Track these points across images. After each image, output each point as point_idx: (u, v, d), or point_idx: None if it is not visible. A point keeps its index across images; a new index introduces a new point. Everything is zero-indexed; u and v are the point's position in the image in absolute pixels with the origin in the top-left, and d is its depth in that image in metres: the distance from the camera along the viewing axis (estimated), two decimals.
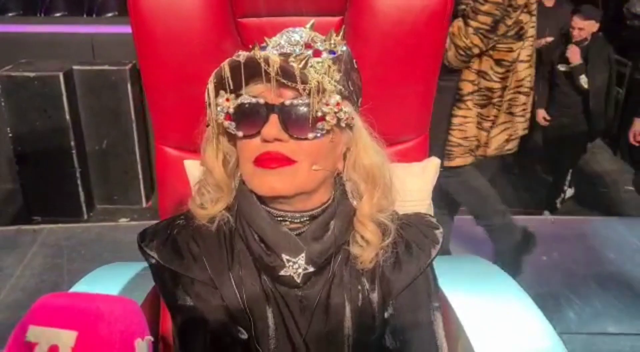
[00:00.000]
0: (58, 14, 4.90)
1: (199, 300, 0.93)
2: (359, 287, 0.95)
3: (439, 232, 1.01)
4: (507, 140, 2.51)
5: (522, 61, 2.41)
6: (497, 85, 2.37)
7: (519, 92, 2.46)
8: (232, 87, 0.86)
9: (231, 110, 0.87)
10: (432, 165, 1.32)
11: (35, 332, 0.49)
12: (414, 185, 1.28)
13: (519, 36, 2.32)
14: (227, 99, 0.87)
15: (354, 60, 0.96)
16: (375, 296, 0.95)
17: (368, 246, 0.93)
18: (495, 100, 2.40)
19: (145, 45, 1.21)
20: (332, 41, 0.90)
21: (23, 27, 4.30)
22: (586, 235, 3.21)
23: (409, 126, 1.36)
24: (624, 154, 4.92)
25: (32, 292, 2.64)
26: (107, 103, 3.74)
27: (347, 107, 0.87)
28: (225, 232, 0.95)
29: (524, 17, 2.29)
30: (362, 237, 0.94)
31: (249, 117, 0.85)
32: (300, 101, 0.84)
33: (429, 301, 0.98)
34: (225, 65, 0.85)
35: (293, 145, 0.85)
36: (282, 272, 0.90)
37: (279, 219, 0.91)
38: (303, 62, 0.83)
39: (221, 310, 0.92)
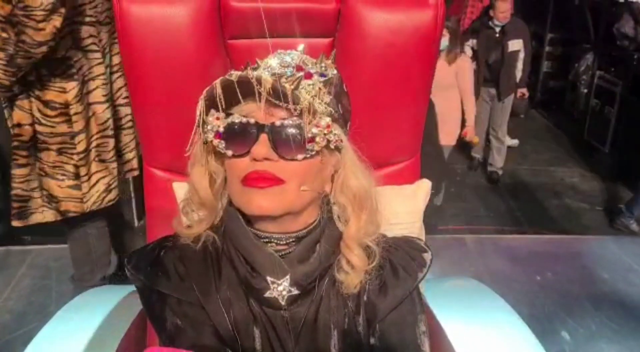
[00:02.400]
0: None
1: (186, 320, 0.92)
2: (345, 310, 0.94)
3: (427, 256, 1.00)
4: (107, 190, 2.24)
5: (97, 103, 2.14)
6: (51, 130, 2.06)
7: (106, 136, 2.19)
8: (223, 106, 0.86)
9: (221, 129, 0.87)
10: (423, 187, 1.31)
11: None
12: (404, 207, 1.27)
13: (69, 75, 2.03)
14: (218, 118, 0.87)
15: (344, 85, 0.97)
16: (360, 320, 0.94)
17: (353, 271, 0.93)
18: (68, 148, 2.09)
19: (134, 67, 1.20)
20: (323, 64, 0.91)
21: None
22: (580, 254, 3.20)
23: (401, 148, 1.35)
24: (618, 173, 4.93)
25: (19, 314, 2.59)
26: None
27: (337, 130, 0.88)
28: (212, 252, 0.95)
29: (74, 54, 2.04)
30: (348, 261, 0.93)
31: (239, 137, 0.85)
32: (290, 122, 0.84)
33: (416, 325, 0.97)
34: (217, 83, 0.85)
35: (282, 165, 0.85)
36: (266, 294, 0.90)
37: (264, 240, 0.91)
38: (295, 83, 0.84)
39: (209, 330, 0.91)
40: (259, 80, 0.82)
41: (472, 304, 1.42)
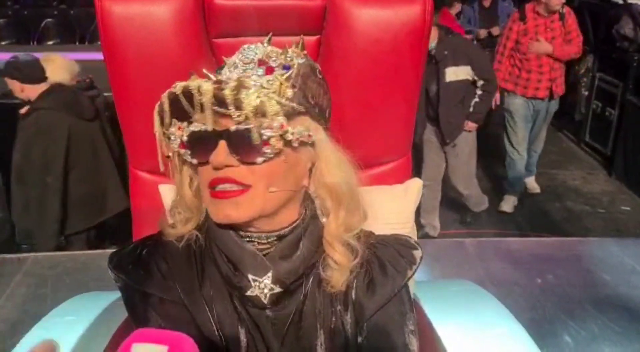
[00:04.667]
0: (50, 42, 4.93)
1: (169, 320, 0.90)
2: (332, 309, 0.92)
3: (417, 253, 0.97)
4: None
5: None
6: None
7: None
8: (170, 121, 0.86)
9: (185, 139, 0.85)
10: (414, 187, 1.28)
11: (137, 349, 0.67)
12: (395, 207, 1.24)
13: None
14: (180, 128, 0.86)
15: (318, 71, 0.93)
16: (347, 319, 0.92)
17: (338, 269, 0.90)
18: None
19: (117, 67, 1.18)
20: (288, 55, 0.88)
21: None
22: (581, 257, 3.16)
23: (391, 148, 1.32)
24: (620, 175, 4.90)
25: (14, 323, 2.57)
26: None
27: (298, 126, 0.84)
28: (196, 251, 0.94)
29: None
30: (333, 259, 0.91)
31: (200, 145, 0.84)
32: (245, 126, 0.81)
33: (404, 324, 0.94)
34: (164, 97, 0.85)
35: (244, 170, 0.83)
36: (248, 292, 0.88)
37: (247, 239, 0.89)
38: (236, 88, 0.80)
39: (193, 330, 0.89)
40: (199, 90, 0.80)
41: (467, 306, 1.39)
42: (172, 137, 0.86)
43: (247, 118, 0.80)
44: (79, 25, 5.06)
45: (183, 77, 1.13)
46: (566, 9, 3.98)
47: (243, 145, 0.82)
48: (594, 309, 2.66)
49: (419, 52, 1.21)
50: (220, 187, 0.83)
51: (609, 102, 5.17)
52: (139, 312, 0.92)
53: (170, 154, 0.90)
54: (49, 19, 5.03)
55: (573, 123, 5.98)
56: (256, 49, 0.88)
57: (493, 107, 3.95)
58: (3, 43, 4.86)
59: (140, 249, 0.96)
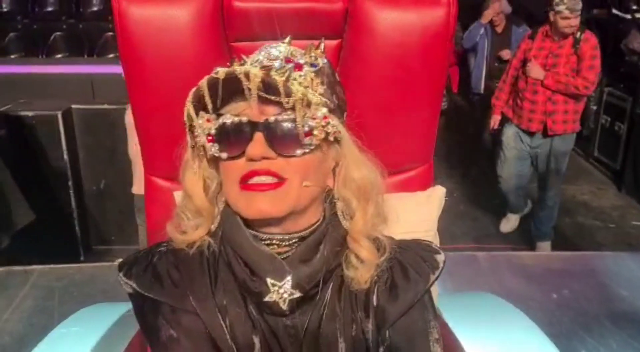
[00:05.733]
0: (59, 55, 4.94)
1: (181, 329, 0.86)
2: (352, 316, 0.88)
3: (439, 257, 0.93)
4: None
5: None
6: None
7: None
8: (211, 107, 0.81)
9: (213, 132, 0.82)
10: (437, 194, 1.25)
11: None
12: (418, 215, 1.21)
13: None
14: (208, 120, 0.82)
15: (336, 74, 0.92)
16: (369, 326, 0.88)
17: (363, 266, 0.87)
18: None
19: (134, 70, 1.16)
20: (313, 54, 0.86)
21: (25, 68, 4.34)
22: (596, 271, 3.11)
23: (413, 154, 1.29)
24: (630, 190, 4.85)
25: (19, 336, 2.53)
26: (105, 142, 3.71)
27: (334, 121, 0.83)
28: (209, 257, 0.90)
29: None
30: (357, 256, 0.87)
31: (233, 137, 0.81)
32: (285, 117, 0.79)
33: (427, 331, 0.90)
34: (203, 83, 0.81)
35: (281, 162, 0.80)
36: (266, 298, 0.84)
37: (266, 242, 0.86)
38: (286, 74, 0.79)
39: (205, 339, 0.86)
40: (247, 75, 0.77)
41: (494, 321, 1.34)
42: (200, 130, 0.82)
43: (294, 107, 0.77)
44: (88, 39, 5.07)
45: (200, 80, 1.11)
46: (585, 35, 3.41)
47: (283, 136, 0.79)
48: (612, 324, 2.61)
49: (442, 56, 1.19)
50: (256, 179, 0.80)
51: (618, 117, 5.13)
52: (150, 321, 0.89)
53: (191, 151, 0.87)
54: (58, 33, 5.05)
55: (581, 137, 5.94)
56: (279, 47, 0.86)
57: (490, 130, 3.92)
58: (12, 56, 4.86)
59: (151, 256, 0.93)
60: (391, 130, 1.22)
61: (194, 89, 0.82)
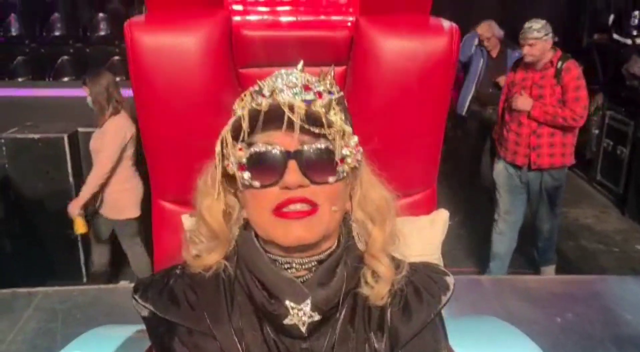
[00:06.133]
0: (66, 78, 4.99)
1: (197, 351, 0.86)
2: (365, 336, 0.89)
3: (449, 279, 0.95)
4: None
5: None
6: None
7: None
8: (245, 136, 0.82)
9: (244, 160, 0.82)
10: (440, 218, 1.27)
11: None
12: (422, 239, 1.22)
13: None
14: (240, 149, 0.83)
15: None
16: (382, 347, 0.88)
17: (380, 281, 0.88)
18: None
19: (145, 96, 1.18)
20: (327, 82, 0.88)
21: (32, 91, 4.38)
22: (600, 295, 3.09)
23: (417, 179, 1.31)
24: (633, 214, 4.85)
25: None
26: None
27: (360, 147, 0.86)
28: (225, 280, 0.90)
29: None
30: (374, 272, 0.89)
31: (266, 166, 0.81)
32: (318, 146, 0.81)
33: None
34: (244, 113, 0.82)
35: (314, 189, 0.82)
36: (286, 321, 0.84)
37: (285, 266, 0.86)
38: (325, 107, 0.81)
39: None
40: (291, 108, 0.79)
41: (498, 344, 1.34)
42: (232, 159, 0.83)
43: (324, 135, 0.80)
44: (94, 63, 5.13)
45: (209, 105, 1.15)
46: (567, 64, 3.24)
47: (317, 164, 0.81)
48: (617, 349, 2.59)
49: (445, 82, 1.21)
50: (291, 207, 0.81)
51: (620, 141, 5.15)
52: (165, 343, 0.89)
53: (211, 178, 0.87)
54: (65, 57, 5.11)
55: (583, 161, 5.97)
56: (294, 73, 0.87)
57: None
58: (19, 79, 4.92)
59: (167, 278, 0.93)
60: (395, 155, 1.24)
61: (233, 119, 0.83)
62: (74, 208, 3.11)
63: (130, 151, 3.16)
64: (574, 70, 3.24)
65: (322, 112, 0.80)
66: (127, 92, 3.91)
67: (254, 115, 0.81)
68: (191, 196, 0.92)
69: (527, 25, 3.26)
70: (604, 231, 4.67)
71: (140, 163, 3.21)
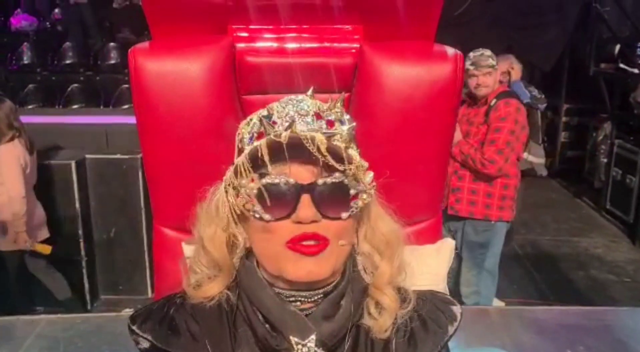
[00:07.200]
0: (75, 106, 5.05)
1: None
2: None
3: (456, 309, 0.92)
4: None
5: None
6: None
7: None
8: (268, 168, 0.80)
9: (255, 192, 0.80)
10: (446, 247, 1.24)
11: None
12: (427, 268, 1.20)
13: None
14: (252, 180, 0.80)
15: None
16: None
17: (384, 313, 0.86)
18: None
19: (147, 122, 1.18)
20: (338, 110, 0.86)
21: (42, 118, 4.41)
22: (612, 326, 3.02)
23: (422, 207, 1.29)
24: None
25: None
26: (117, 191, 3.76)
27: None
28: (227, 310, 0.88)
29: None
30: (377, 304, 0.86)
31: (278, 199, 0.79)
32: (333, 180, 0.79)
33: None
34: (262, 146, 0.79)
35: (325, 224, 0.79)
36: None
37: (290, 299, 0.84)
38: (345, 142, 0.80)
39: None
40: (312, 141, 0.77)
41: None
42: (243, 190, 0.81)
43: (353, 173, 0.78)
44: (104, 91, 5.20)
45: (212, 132, 1.14)
46: (499, 102, 2.88)
47: (330, 199, 0.79)
48: None
49: (450, 109, 1.21)
50: (304, 242, 0.79)
51: (629, 169, 5.13)
52: None
53: (226, 208, 0.84)
54: (75, 85, 5.17)
55: (592, 190, 5.93)
56: (305, 100, 0.85)
57: None
58: (30, 107, 4.97)
59: (167, 307, 0.90)
60: (400, 183, 1.22)
61: (250, 149, 0.81)
62: (23, 241, 3.14)
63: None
64: (502, 110, 2.87)
65: (343, 147, 0.79)
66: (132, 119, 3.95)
67: (274, 147, 0.78)
68: (192, 223, 0.90)
69: (477, 53, 2.94)
70: (614, 261, 4.60)
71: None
